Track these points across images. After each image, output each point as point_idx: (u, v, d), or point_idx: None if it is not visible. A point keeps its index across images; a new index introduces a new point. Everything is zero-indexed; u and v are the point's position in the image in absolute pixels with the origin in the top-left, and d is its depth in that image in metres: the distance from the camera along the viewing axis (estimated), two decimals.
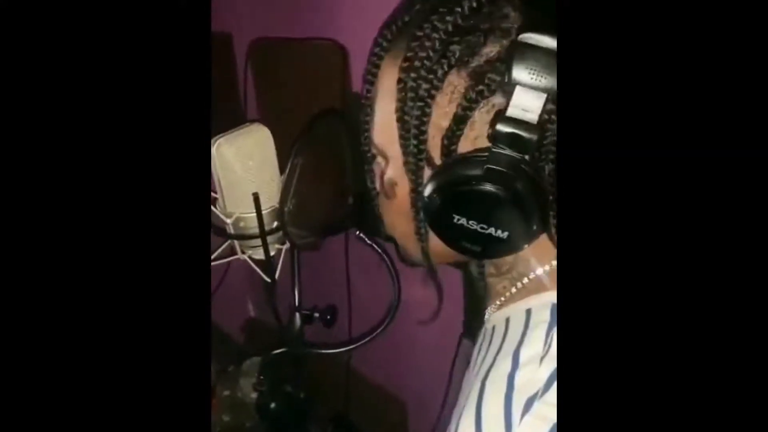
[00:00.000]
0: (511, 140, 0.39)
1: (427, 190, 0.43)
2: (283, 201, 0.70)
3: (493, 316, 0.51)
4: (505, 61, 0.39)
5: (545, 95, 0.38)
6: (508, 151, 0.40)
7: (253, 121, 0.81)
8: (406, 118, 0.43)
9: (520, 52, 0.38)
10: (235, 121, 1.26)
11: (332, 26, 1.00)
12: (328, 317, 0.92)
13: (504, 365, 0.42)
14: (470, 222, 0.42)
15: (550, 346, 0.42)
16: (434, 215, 0.43)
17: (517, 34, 0.39)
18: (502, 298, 0.50)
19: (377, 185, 0.50)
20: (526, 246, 0.44)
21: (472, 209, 0.42)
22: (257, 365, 1.02)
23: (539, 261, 0.47)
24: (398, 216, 0.48)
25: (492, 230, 0.42)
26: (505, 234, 0.42)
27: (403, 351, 1.15)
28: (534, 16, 0.40)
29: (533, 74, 0.38)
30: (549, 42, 0.38)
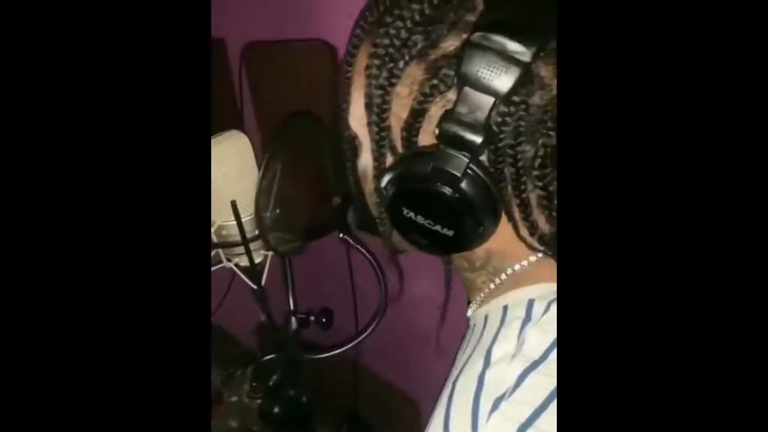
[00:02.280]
0: (455, 140, 0.39)
1: (383, 181, 0.43)
2: (257, 207, 0.69)
3: (475, 314, 0.51)
4: (458, 58, 0.38)
5: (493, 98, 0.37)
6: (454, 152, 0.39)
7: (242, 126, 0.80)
8: (371, 104, 0.43)
9: (470, 51, 0.37)
10: (231, 126, 1.27)
11: (323, 26, 0.99)
12: (324, 320, 0.92)
13: (476, 364, 0.41)
14: (418, 216, 0.42)
15: (523, 343, 0.41)
16: (388, 205, 0.44)
17: (472, 33, 0.38)
18: (482, 295, 0.50)
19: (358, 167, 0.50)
20: (473, 246, 0.44)
21: (419, 205, 0.42)
22: (270, 367, 1.02)
23: (515, 256, 0.47)
24: (369, 198, 0.49)
25: (438, 227, 0.42)
26: (451, 232, 0.42)
27: (415, 350, 1.14)
28: (492, 15, 0.38)
29: (482, 75, 0.37)
30: (503, 43, 0.37)
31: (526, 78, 0.38)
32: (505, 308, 0.45)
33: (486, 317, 0.47)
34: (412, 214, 0.42)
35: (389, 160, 0.44)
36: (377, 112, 0.42)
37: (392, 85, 0.41)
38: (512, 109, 0.39)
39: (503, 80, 0.37)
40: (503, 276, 0.47)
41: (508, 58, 0.37)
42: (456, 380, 0.42)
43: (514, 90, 0.38)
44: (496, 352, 0.41)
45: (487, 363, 0.41)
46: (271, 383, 0.87)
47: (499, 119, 0.39)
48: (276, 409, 0.98)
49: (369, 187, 0.48)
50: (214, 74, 1.30)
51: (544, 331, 0.40)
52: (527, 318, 0.42)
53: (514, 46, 0.37)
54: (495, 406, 0.38)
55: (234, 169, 0.75)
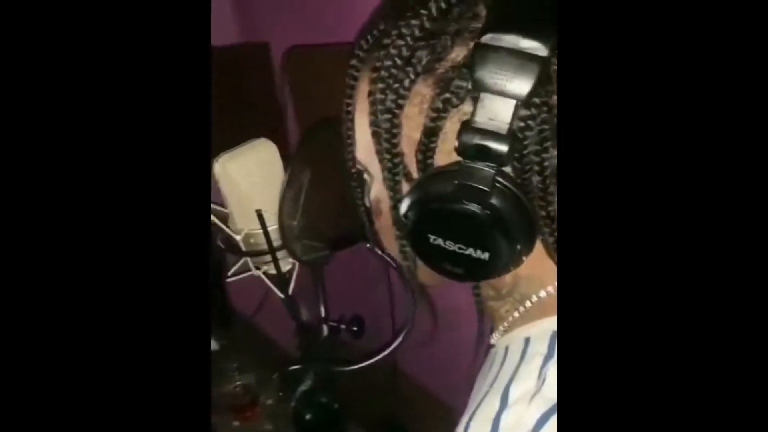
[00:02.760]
0: (479, 152, 0.36)
1: (402, 209, 0.40)
2: (280, 216, 0.69)
3: (499, 342, 0.48)
4: (469, 66, 0.36)
5: (514, 101, 0.34)
6: (479, 164, 0.36)
7: (285, 131, 0.80)
8: (379, 132, 0.40)
9: (482, 54, 0.35)
10: (274, 131, 1.27)
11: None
12: (355, 328, 0.90)
13: (492, 404, 0.39)
14: (447, 242, 0.39)
15: (543, 382, 0.38)
16: (411, 235, 0.41)
17: (481, 35, 0.35)
18: (506, 324, 0.46)
19: (366, 202, 0.48)
20: (512, 267, 0.40)
21: (447, 228, 0.39)
22: (302, 374, 1.03)
23: (542, 281, 0.43)
24: (387, 235, 0.46)
25: (471, 251, 0.39)
26: (486, 255, 0.38)
27: (451, 358, 1.11)
28: (499, 15, 0.36)
29: (498, 78, 0.35)
30: (515, 41, 0.34)
31: (545, 76, 0.35)
32: (527, 340, 0.42)
33: (507, 349, 0.44)
34: (440, 241, 0.39)
35: (405, 188, 0.41)
36: (387, 138, 0.40)
37: (400, 107, 0.39)
38: (534, 111, 0.35)
39: (522, 80, 0.34)
40: (528, 304, 0.44)
41: (524, 56, 0.34)
42: (471, 419, 0.39)
43: (534, 90, 0.35)
44: (514, 392, 0.38)
45: (504, 403, 0.38)
46: (299, 393, 0.87)
47: (522, 124, 0.36)
48: (308, 416, 0.98)
49: (385, 221, 0.45)
50: (257, 78, 1.31)
51: None
52: (549, 354, 0.39)
53: (528, 43, 0.34)
54: None
55: (261, 177, 0.75)
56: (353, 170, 0.46)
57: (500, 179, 0.36)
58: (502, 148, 0.35)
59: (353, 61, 0.42)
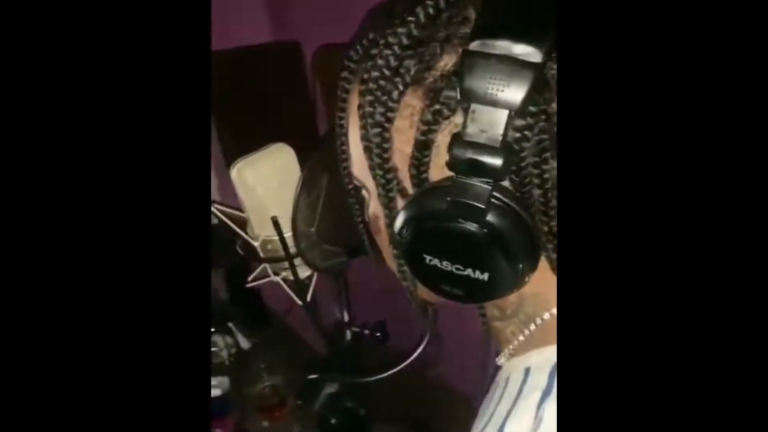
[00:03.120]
0: (472, 167, 0.34)
1: (396, 227, 0.38)
2: (294, 224, 0.68)
3: (504, 367, 0.45)
4: (458, 75, 0.33)
5: (507, 111, 0.32)
6: (474, 180, 0.34)
7: (317, 131, 0.79)
8: (370, 146, 0.38)
9: (470, 62, 0.33)
10: (305, 130, 1.27)
11: None
12: (379, 334, 0.89)
13: None
14: (443, 263, 0.37)
15: (541, 422, 0.36)
16: (406, 255, 0.39)
17: (470, 41, 0.33)
18: (511, 347, 0.44)
19: (367, 219, 0.46)
20: (515, 287, 0.38)
21: (442, 248, 0.37)
22: (336, 375, 1.02)
23: (548, 300, 0.41)
24: (387, 253, 0.44)
25: (469, 272, 0.37)
26: (486, 275, 0.36)
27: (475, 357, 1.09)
28: (488, 19, 0.33)
29: (489, 87, 0.32)
30: (506, 47, 0.32)
31: (541, 83, 0.33)
32: (527, 371, 0.40)
33: (508, 380, 0.42)
34: (436, 261, 0.37)
35: (401, 205, 0.39)
36: (378, 153, 0.38)
37: (390, 120, 0.37)
38: (531, 120, 0.33)
39: (515, 88, 0.32)
40: (532, 326, 0.42)
41: (516, 62, 0.32)
42: None
43: (529, 98, 0.32)
44: (509, 431, 0.36)
45: None
46: (323, 397, 0.86)
47: (518, 135, 0.33)
48: (333, 420, 0.97)
49: (383, 239, 0.43)
50: (289, 77, 1.31)
51: None
52: (548, 389, 0.37)
53: (520, 48, 0.32)
54: None
55: (278, 183, 0.74)
56: (350, 186, 0.44)
57: (497, 194, 0.34)
58: (496, 162, 0.33)
59: (344, 73, 0.40)
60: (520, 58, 0.31)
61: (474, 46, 0.32)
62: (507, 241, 0.34)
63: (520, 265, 0.36)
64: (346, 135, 0.41)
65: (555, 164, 0.34)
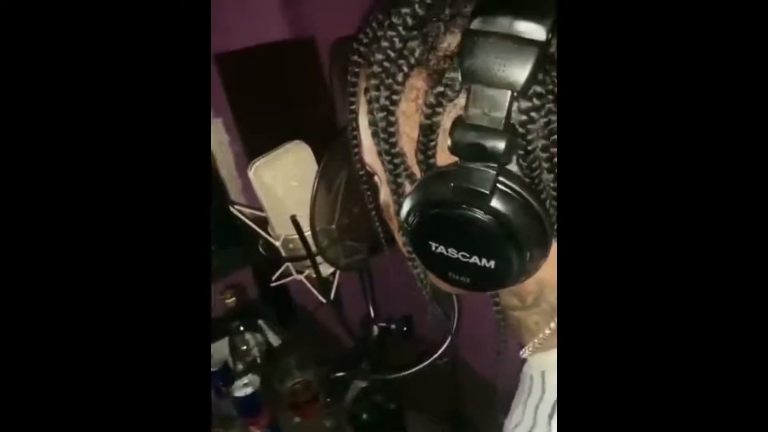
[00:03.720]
0: (475, 151, 0.32)
1: (402, 214, 0.37)
2: (312, 222, 0.67)
3: (529, 361, 0.44)
4: (459, 55, 0.32)
5: (509, 92, 0.31)
6: (478, 165, 0.33)
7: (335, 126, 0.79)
8: (377, 131, 0.38)
9: (471, 41, 0.31)
10: (324, 126, 1.26)
11: None
12: (405, 329, 0.88)
13: None
14: (449, 250, 0.36)
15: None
16: (412, 242, 0.38)
17: (471, 20, 0.32)
18: (537, 341, 0.43)
19: (378, 205, 0.45)
20: (525, 275, 0.37)
21: (447, 235, 0.36)
22: (363, 371, 1.02)
23: None
24: (399, 240, 0.43)
25: (476, 259, 0.35)
26: (492, 263, 0.35)
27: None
28: None
29: (491, 67, 0.31)
30: (507, 25, 0.31)
31: (547, 62, 0.31)
32: (543, 375, 0.40)
33: (543, 375, 0.41)
34: (441, 249, 0.36)
35: (408, 190, 0.38)
36: (384, 137, 0.37)
37: (395, 103, 0.36)
38: (538, 102, 0.32)
39: (518, 68, 0.31)
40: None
41: (519, 40, 0.30)
42: None
43: (533, 77, 0.31)
44: None
45: None
46: (353, 393, 0.86)
47: (524, 117, 0.32)
48: (364, 416, 0.97)
49: (396, 226, 0.42)
50: (306, 73, 1.30)
51: None
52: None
53: (523, 26, 0.30)
54: None
55: (297, 181, 0.74)
56: (362, 173, 0.43)
57: (503, 179, 0.33)
58: (499, 145, 0.31)
59: (354, 57, 0.39)
60: (523, 36, 0.30)
61: (475, 24, 0.31)
62: (513, 228, 0.33)
63: (529, 253, 0.34)
64: (356, 120, 0.40)
65: None
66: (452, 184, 0.33)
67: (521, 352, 0.46)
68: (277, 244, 0.77)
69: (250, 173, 0.72)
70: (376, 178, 0.42)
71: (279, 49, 1.26)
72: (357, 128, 0.40)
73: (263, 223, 0.79)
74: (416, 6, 0.34)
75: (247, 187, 1.04)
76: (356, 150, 0.42)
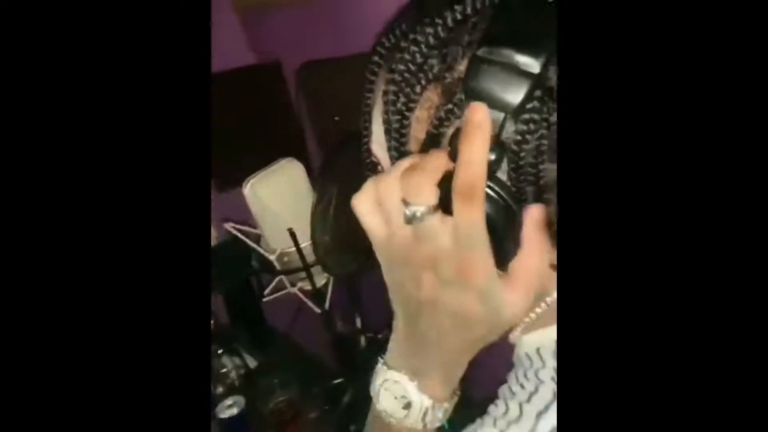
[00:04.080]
0: None
1: None
2: (313, 233, 0.70)
3: (521, 342, 0.48)
4: (465, 76, 0.37)
5: (503, 113, 0.36)
6: None
7: (304, 149, 0.82)
8: (390, 129, 0.42)
9: (476, 66, 0.36)
10: (293, 146, 1.29)
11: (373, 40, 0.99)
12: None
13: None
14: None
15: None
16: None
17: (478, 48, 0.36)
18: (522, 325, 0.47)
19: None
20: (501, 270, 0.40)
21: None
22: (344, 386, 1.03)
23: (551, 285, 0.44)
24: None
25: None
26: None
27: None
28: (496, 29, 0.37)
29: (490, 90, 0.36)
30: (509, 56, 0.35)
31: (545, 94, 0.36)
32: (538, 351, 0.44)
33: (539, 351, 0.45)
34: None
35: None
36: (396, 137, 0.41)
37: (410, 109, 0.40)
38: (532, 126, 0.37)
39: (512, 93, 0.35)
40: (543, 306, 0.45)
41: (515, 71, 0.35)
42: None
43: (525, 103, 0.36)
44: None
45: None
46: (342, 405, 0.88)
47: (519, 137, 0.37)
48: (352, 428, 0.98)
49: None
50: (272, 97, 1.33)
51: None
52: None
53: (521, 58, 0.35)
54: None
55: (290, 196, 0.76)
56: (368, 161, 0.47)
57: (490, 184, 0.37)
58: (489, 156, 0.36)
59: (374, 57, 0.43)
60: (520, 67, 0.35)
61: (481, 52, 0.36)
62: (494, 225, 0.37)
63: (506, 247, 0.38)
64: (370, 113, 0.44)
65: (551, 166, 0.38)
66: (445, 185, 0.37)
67: (510, 337, 0.50)
68: (272, 257, 0.78)
69: (246, 190, 0.74)
70: (380, 167, 0.46)
71: (244, 73, 1.28)
72: (370, 121, 0.44)
73: (254, 239, 0.81)
74: (439, 28, 0.38)
75: (219, 208, 1.05)
76: (366, 140, 0.46)
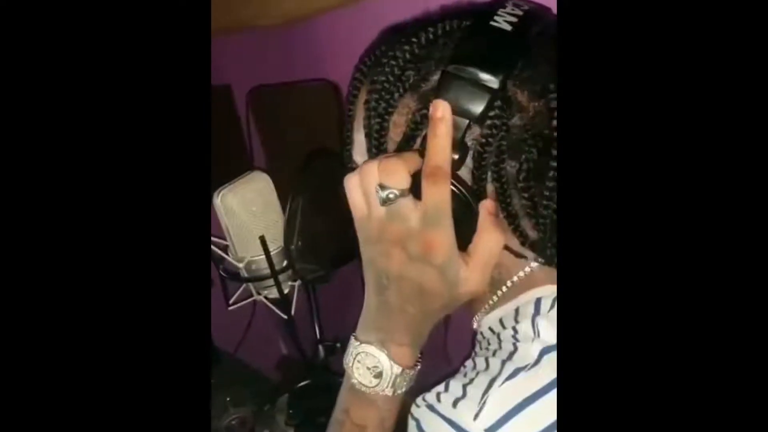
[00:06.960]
0: None
1: None
2: (287, 240, 0.74)
3: (484, 321, 0.53)
4: (437, 88, 0.44)
5: (466, 120, 0.42)
6: None
7: (253, 168, 0.86)
8: (370, 132, 0.48)
9: (445, 80, 0.43)
10: (241, 168, 1.31)
11: (327, 67, 1.04)
12: None
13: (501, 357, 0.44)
14: None
15: (538, 332, 0.44)
16: None
17: (448, 65, 0.43)
18: (487, 306, 0.52)
19: None
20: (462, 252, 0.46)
21: None
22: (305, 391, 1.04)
23: (512, 268, 0.50)
24: None
25: None
26: None
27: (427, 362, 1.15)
28: (463, 50, 0.44)
29: (457, 101, 0.43)
30: (472, 73, 0.43)
31: (504, 103, 0.43)
32: (517, 310, 0.49)
33: (501, 320, 0.50)
34: None
35: None
36: (376, 137, 0.48)
37: (389, 113, 0.47)
38: (494, 131, 0.44)
39: (475, 104, 0.43)
40: (504, 288, 0.50)
41: (478, 85, 0.43)
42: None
43: (485, 113, 0.43)
44: (521, 340, 0.45)
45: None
46: (305, 409, 0.90)
47: (483, 140, 0.44)
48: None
49: None
50: (221, 121, 1.35)
51: (553, 322, 0.44)
52: (536, 312, 0.47)
53: (483, 75, 0.43)
54: (513, 374, 0.41)
55: (259, 206, 0.80)
56: (350, 167, 0.53)
57: (453, 181, 0.44)
58: (453, 155, 0.43)
59: (357, 75, 0.51)
60: (482, 82, 0.43)
61: (451, 68, 0.43)
62: (454, 216, 0.43)
63: (464, 237, 0.45)
64: (351, 123, 0.51)
65: (512, 164, 0.45)
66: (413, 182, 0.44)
67: (473, 323, 0.56)
68: (240, 266, 0.81)
69: (216, 200, 0.77)
70: None
71: None
72: (351, 130, 0.51)
73: (221, 249, 0.84)
74: (415, 46, 0.47)
75: None
76: (348, 148, 0.52)
